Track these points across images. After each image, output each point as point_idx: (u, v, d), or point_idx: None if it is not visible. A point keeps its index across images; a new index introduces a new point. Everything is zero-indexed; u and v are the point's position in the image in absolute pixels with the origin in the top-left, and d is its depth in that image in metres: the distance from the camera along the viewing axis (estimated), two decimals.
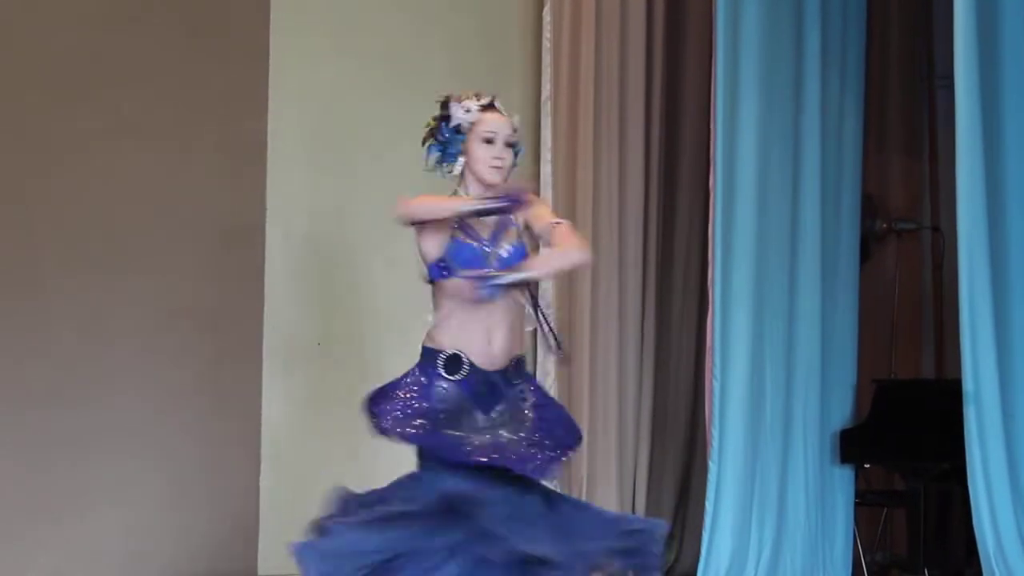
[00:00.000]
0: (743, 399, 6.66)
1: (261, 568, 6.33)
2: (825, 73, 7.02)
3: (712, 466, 6.60)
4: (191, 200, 6.25)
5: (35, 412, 5.82)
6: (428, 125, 4.14)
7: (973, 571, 6.50)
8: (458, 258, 4.02)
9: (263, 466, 6.37)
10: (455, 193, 4.13)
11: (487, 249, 4.06)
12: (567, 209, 7.10)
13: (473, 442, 3.92)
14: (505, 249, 4.08)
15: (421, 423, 3.95)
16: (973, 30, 6.04)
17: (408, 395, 4.00)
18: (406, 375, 4.05)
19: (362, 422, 4.17)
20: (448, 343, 4.03)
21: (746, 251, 6.71)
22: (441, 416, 3.96)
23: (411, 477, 4.04)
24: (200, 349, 6.23)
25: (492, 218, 4.05)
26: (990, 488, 6.06)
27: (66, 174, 5.97)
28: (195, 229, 6.27)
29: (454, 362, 4.02)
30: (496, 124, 4.10)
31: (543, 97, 7.19)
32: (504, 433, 3.97)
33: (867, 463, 7.18)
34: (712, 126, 6.73)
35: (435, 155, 4.13)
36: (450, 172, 4.13)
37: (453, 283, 4.01)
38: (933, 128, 8.36)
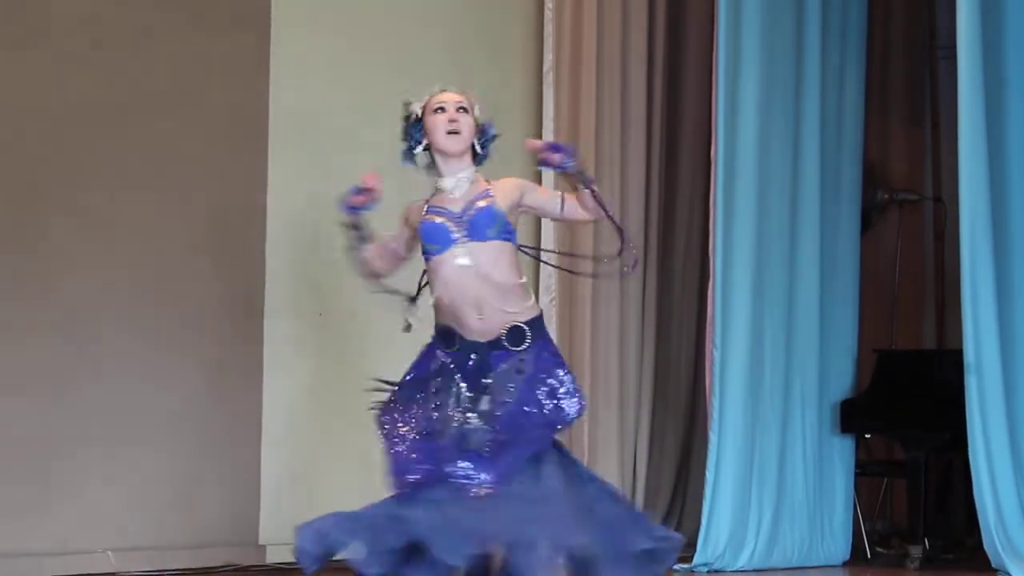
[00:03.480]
0: (743, 370, 6.68)
1: (262, 537, 6.36)
2: (826, 43, 7.02)
3: (712, 436, 6.62)
4: (192, 179, 6.23)
5: (43, 391, 5.83)
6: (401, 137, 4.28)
7: (973, 540, 6.54)
8: (426, 237, 4.15)
9: (264, 440, 6.38)
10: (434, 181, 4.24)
11: (457, 219, 4.13)
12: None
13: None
14: (472, 213, 4.12)
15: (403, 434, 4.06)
16: (976, 0, 6.03)
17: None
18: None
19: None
20: (440, 318, 4.16)
21: (747, 221, 6.71)
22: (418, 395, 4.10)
23: None
24: (202, 326, 6.23)
25: (462, 191, 4.16)
26: (990, 458, 6.08)
27: (65, 159, 5.95)
28: (196, 208, 6.25)
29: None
30: (443, 95, 4.23)
31: (545, 68, 7.17)
32: (476, 422, 4.04)
33: (867, 433, 7.19)
34: (714, 95, 6.72)
35: (402, 149, 4.25)
36: (417, 160, 4.25)
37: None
38: (935, 99, 8.35)
